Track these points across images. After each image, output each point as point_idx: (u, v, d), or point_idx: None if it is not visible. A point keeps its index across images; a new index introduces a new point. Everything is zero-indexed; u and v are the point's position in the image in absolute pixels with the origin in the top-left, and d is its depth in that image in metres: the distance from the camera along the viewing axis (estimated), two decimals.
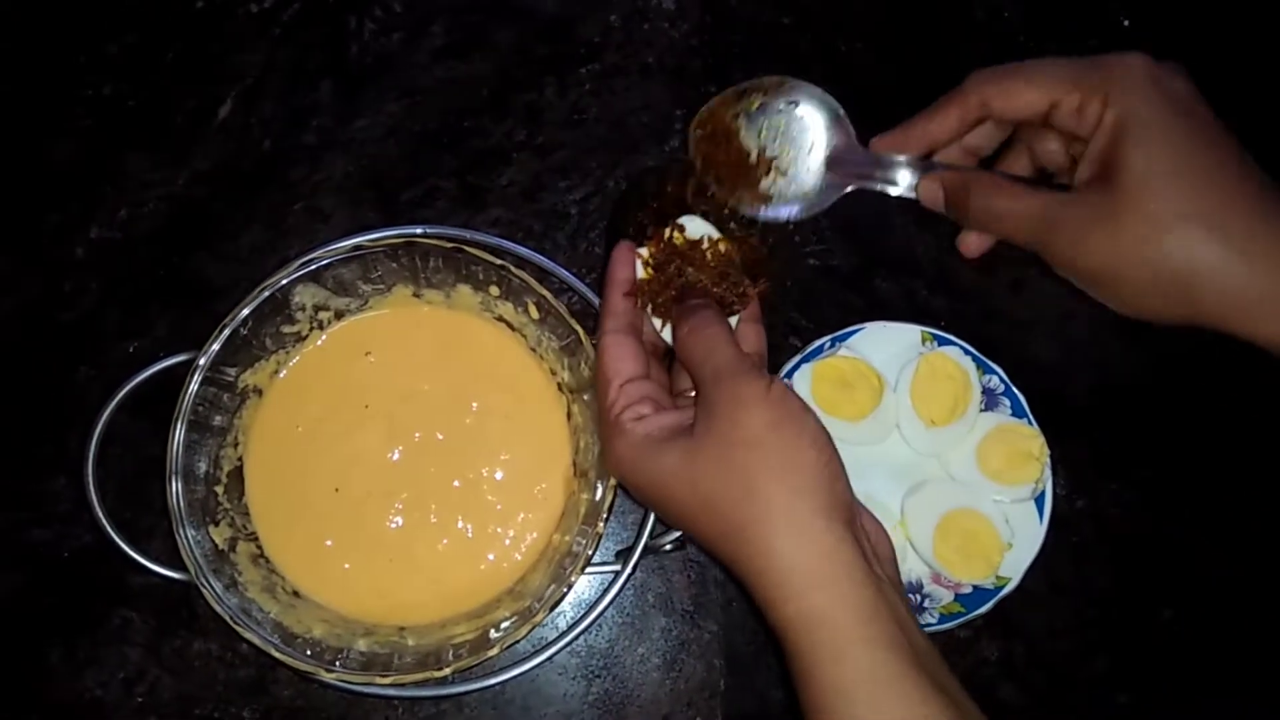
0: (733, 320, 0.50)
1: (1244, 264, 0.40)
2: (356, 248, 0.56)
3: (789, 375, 0.61)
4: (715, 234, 0.50)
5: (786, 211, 0.51)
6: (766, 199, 0.59)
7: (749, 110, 0.58)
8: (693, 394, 0.49)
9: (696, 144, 0.59)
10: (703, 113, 0.59)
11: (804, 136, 0.59)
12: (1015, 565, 0.60)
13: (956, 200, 0.47)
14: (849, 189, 0.59)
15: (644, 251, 0.49)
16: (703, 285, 0.49)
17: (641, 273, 0.50)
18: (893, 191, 0.57)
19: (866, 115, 0.61)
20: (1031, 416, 0.61)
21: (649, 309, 0.51)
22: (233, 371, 0.56)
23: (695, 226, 0.50)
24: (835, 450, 0.44)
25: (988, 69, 0.46)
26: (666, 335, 0.51)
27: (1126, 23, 0.74)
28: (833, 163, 0.58)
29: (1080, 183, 0.43)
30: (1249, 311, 0.42)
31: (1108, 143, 0.41)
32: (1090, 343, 0.65)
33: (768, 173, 0.59)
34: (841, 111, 0.58)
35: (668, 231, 0.49)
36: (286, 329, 0.58)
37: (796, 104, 0.59)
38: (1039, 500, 0.60)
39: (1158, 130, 0.40)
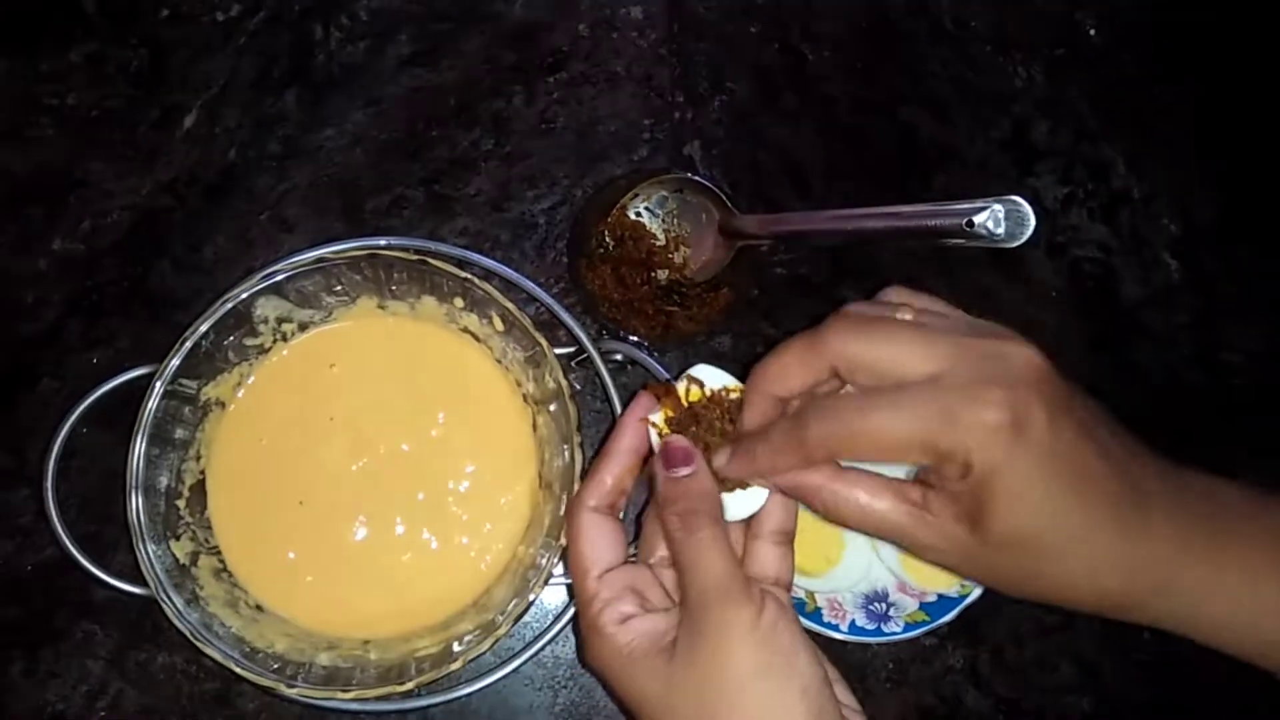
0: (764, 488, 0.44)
1: (1119, 584, 0.39)
2: (319, 260, 0.56)
3: None
4: (731, 381, 0.45)
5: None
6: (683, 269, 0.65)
7: (647, 205, 0.64)
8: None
9: (608, 253, 0.64)
10: (609, 220, 0.63)
11: (697, 214, 0.64)
12: None
13: (800, 494, 0.41)
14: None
15: (657, 418, 0.45)
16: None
17: (657, 443, 0.45)
18: None
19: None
20: None
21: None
22: (194, 384, 0.56)
23: (711, 377, 0.45)
24: (829, 693, 0.40)
25: (834, 408, 0.38)
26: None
27: (1093, 32, 0.75)
28: (723, 230, 0.62)
29: (935, 505, 0.38)
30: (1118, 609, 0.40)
31: (969, 499, 0.37)
32: (1056, 350, 0.65)
33: (676, 249, 0.65)
34: (715, 187, 0.62)
35: (683, 389, 0.44)
36: (249, 341, 0.58)
37: (681, 190, 0.63)
38: None
39: (1024, 498, 0.36)
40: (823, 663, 0.41)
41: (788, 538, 0.45)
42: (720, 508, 0.43)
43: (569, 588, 0.57)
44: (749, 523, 0.45)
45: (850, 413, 0.38)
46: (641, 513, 0.48)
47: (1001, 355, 0.37)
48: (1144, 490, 0.39)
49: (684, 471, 0.43)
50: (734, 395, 0.45)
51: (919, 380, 0.37)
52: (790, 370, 0.41)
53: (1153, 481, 0.39)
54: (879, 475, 0.40)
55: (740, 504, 0.43)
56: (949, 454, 0.36)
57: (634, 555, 0.47)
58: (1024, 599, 0.40)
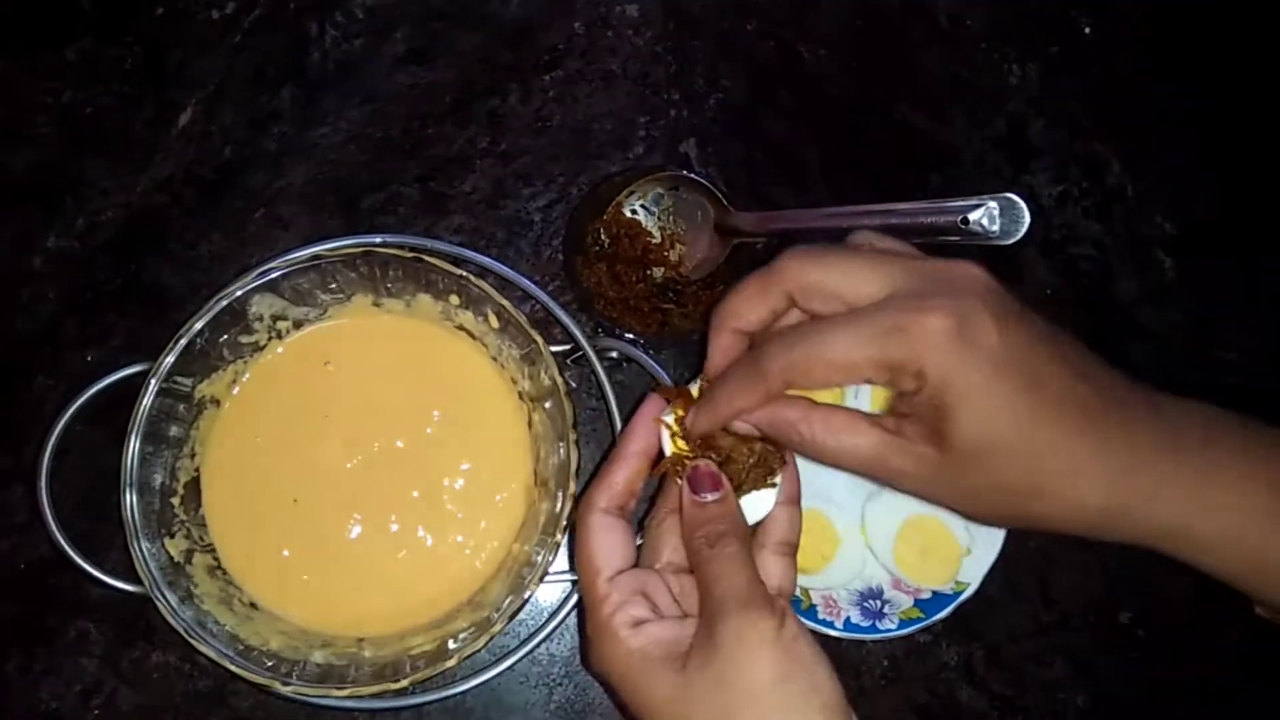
0: (773, 492, 0.44)
1: (1096, 497, 0.38)
2: (315, 257, 0.56)
3: None
4: None
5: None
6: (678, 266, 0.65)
7: (643, 203, 0.64)
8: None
9: (604, 249, 0.64)
10: (605, 218, 0.64)
11: (693, 211, 0.64)
12: (974, 570, 0.60)
13: (776, 430, 0.41)
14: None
15: (670, 419, 0.44)
16: (738, 449, 0.44)
17: (669, 445, 0.44)
18: None
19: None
20: None
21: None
22: (189, 382, 0.56)
23: None
24: (847, 709, 0.39)
25: (789, 336, 0.39)
26: None
27: (1088, 30, 0.75)
28: (718, 228, 0.62)
29: (907, 430, 0.39)
30: (1095, 528, 0.40)
31: (930, 414, 0.37)
32: None
33: (672, 246, 0.65)
34: (710, 185, 0.62)
35: (696, 388, 0.44)
36: (244, 339, 0.58)
37: (677, 187, 0.64)
38: None
39: (979, 402, 0.37)
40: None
41: (791, 549, 0.45)
42: (745, 526, 0.43)
43: (573, 584, 0.57)
44: (753, 532, 0.45)
45: (803, 338, 0.39)
46: (644, 517, 0.48)
47: (947, 271, 0.39)
48: (1122, 401, 0.39)
49: (711, 497, 0.43)
50: None
51: (870, 301, 0.38)
52: (750, 302, 0.41)
53: (1130, 393, 0.39)
54: (853, 410, 0.41)
55: (745, 512, 0.44)
56: (901, 365, 0.37)
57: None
58: (1015, 524, 0.41)
